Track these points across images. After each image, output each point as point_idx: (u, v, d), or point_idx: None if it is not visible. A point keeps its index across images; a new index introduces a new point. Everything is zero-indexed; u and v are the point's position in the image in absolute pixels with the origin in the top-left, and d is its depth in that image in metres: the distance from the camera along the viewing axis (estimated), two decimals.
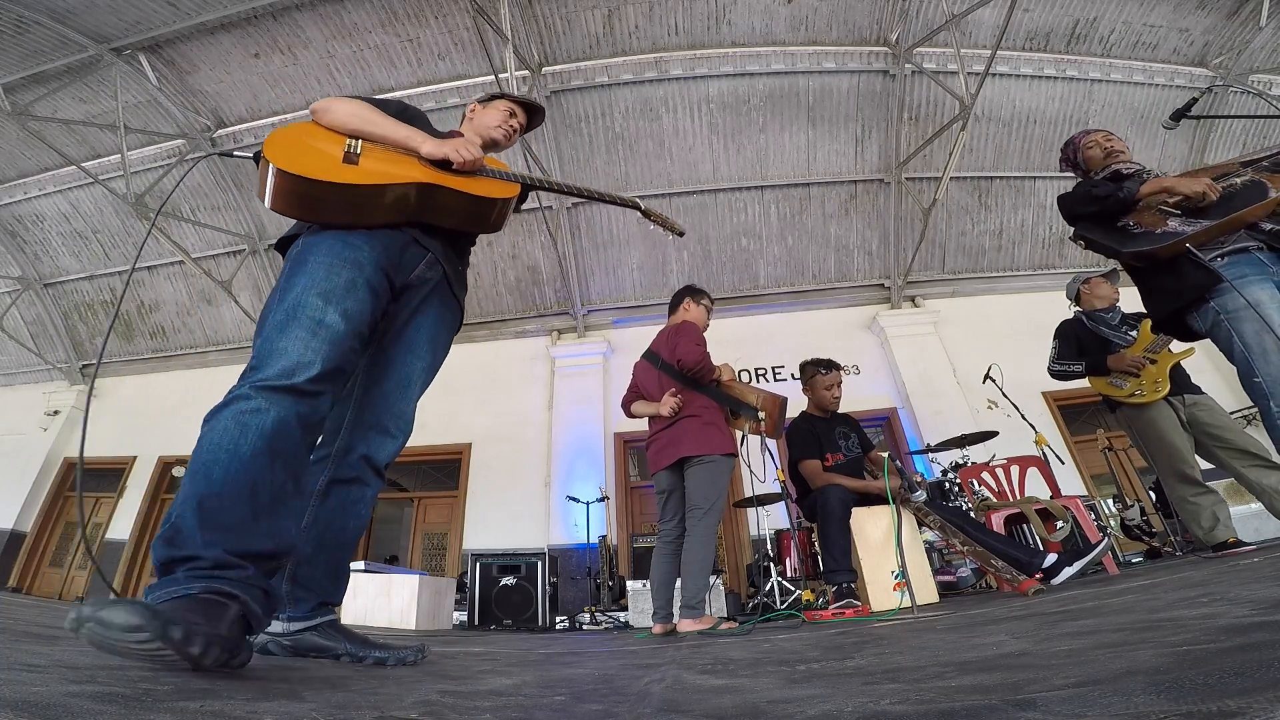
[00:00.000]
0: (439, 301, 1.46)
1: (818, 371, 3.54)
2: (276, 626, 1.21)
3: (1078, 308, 3.51)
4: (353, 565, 4.48)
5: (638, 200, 1.73)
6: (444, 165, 1.40)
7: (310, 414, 1.09)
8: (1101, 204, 2.19)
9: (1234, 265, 1.95)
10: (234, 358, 8.75)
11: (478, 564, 5.18)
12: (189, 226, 7.95)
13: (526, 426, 7.60)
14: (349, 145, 1.34)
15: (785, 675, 0.90)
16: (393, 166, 1.34)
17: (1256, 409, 1.94)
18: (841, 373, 3.58)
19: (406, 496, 8.28)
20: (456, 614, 4.93)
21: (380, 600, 3.81)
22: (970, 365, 6.86)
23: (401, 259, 1.34)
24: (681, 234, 1.89)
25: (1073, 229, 2.34)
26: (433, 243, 1.42)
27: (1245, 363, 1.91)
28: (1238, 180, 2.03)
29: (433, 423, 7.42)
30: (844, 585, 2.90)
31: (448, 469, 7.72)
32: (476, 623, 4.95)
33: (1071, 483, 6.18)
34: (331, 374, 1.12)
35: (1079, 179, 2.55)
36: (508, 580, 5.13)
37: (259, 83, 6.76)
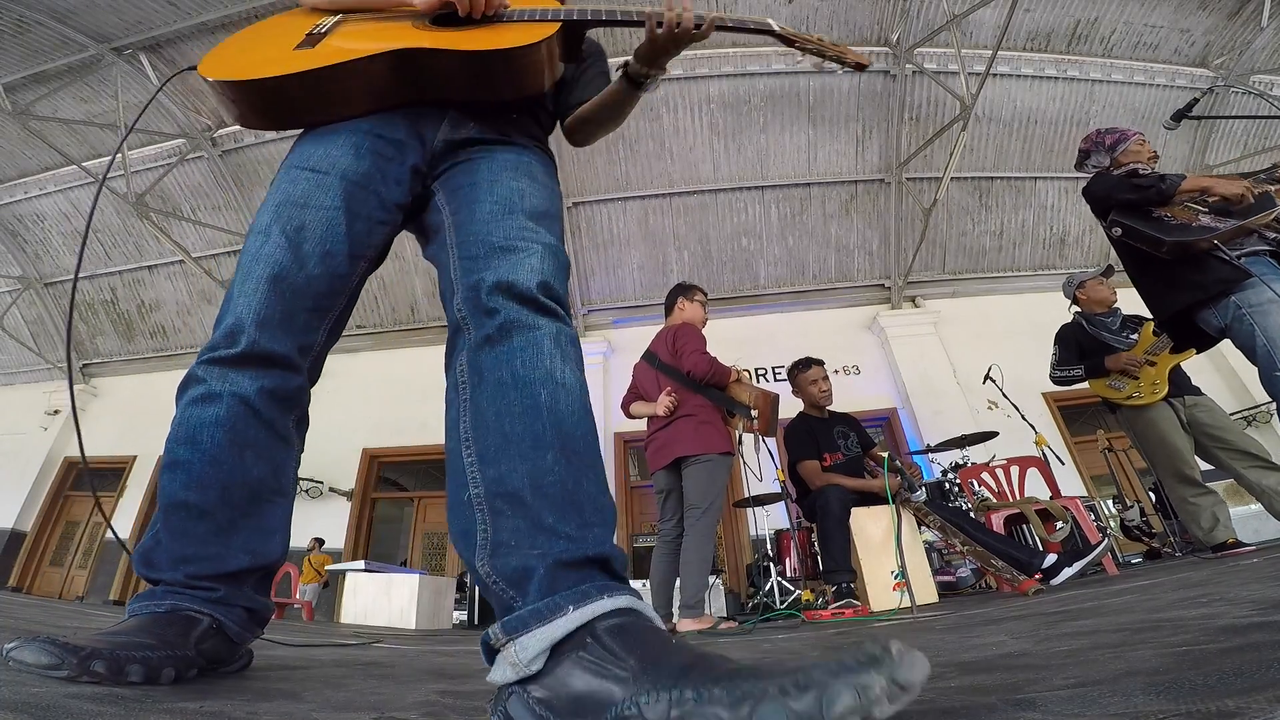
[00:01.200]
0: (495, 150, 1.02)
1: (799, 370, 3.57)
2: (506, 672, 0.54)
3: (1076, 308, 3.51)
4: (352, 565, 4.49)
5: (769, 22, 1.12)
6: (450, 20, 1.03)
7: (281, 385, 0.87)
8: (1143, 192, 2.26)
9: (1255, 264, 2.03)
10: None
11: None
12: (189, 226, 7.95)
13: None
14: (317, 26, 1.06)
15: None
16: (363, 40, 1.01)
17: (1263, 408, 1.99)
18: (823, 368, 3.58)
19: (407, 496, 8.29)
20: (456, 613, 4.93)
21: (380, 600, 3.81)
22: (971, 365, 6.85)
23: (413, 128, 1.01)
24: (864, 67, 1.14)
25: (1104, 218, 2.41)
26: (452, 113, 1.04)
27: (1268, 356, 1.94)
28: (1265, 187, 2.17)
29: (433, 422, 7.41)
30: (844, 585, 2.90)
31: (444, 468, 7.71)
32: (476, 622, 4.95)
33: (1071, 483, 6.18)
34: (282, 323, 0.87)
35: (1096, 170, 2.60)
36: None
37: None
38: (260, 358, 0.85)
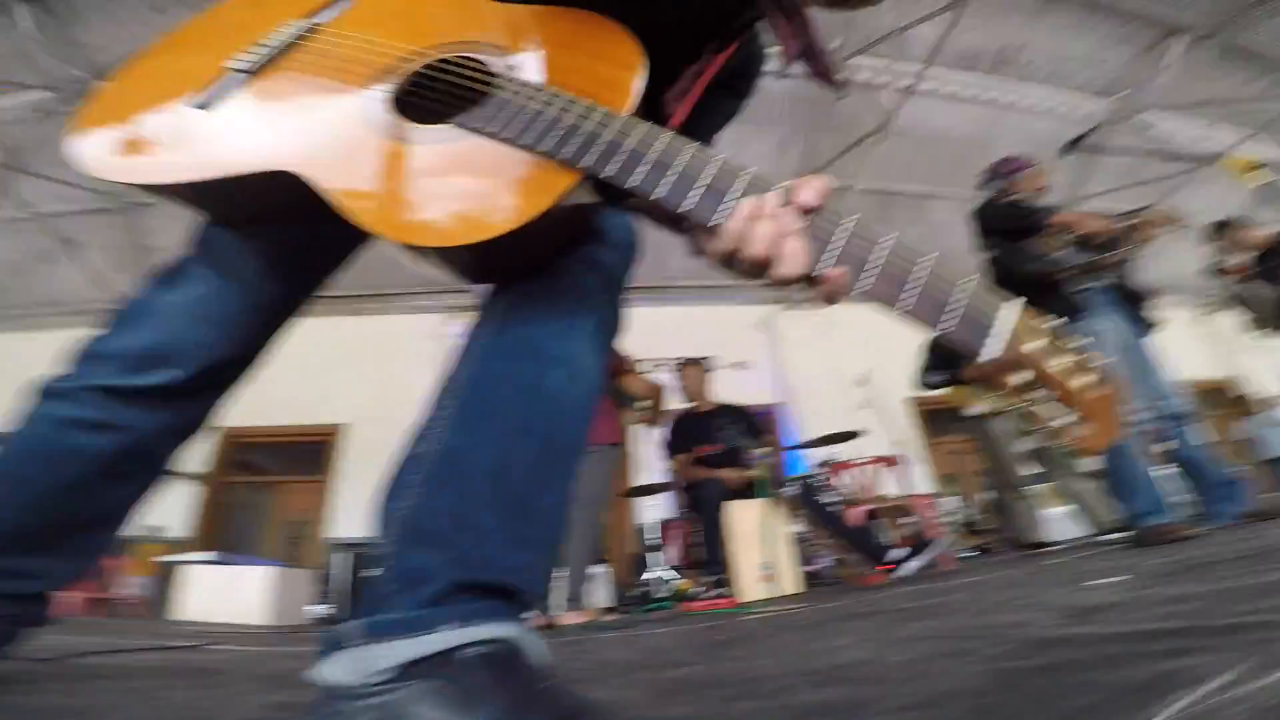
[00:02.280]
0: None
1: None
2: (346, 673, 0.47)
3: None
4: (197, 556, 4.02)
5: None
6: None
7: (198, 414, 0.75)
8: (1018, 222, 2.56)
9: (1094, 297, 2.46)
10: (72, 323, 7.48)
11: (344, 553, 4.84)
12: (36, 180, 6.62)
13: (418, 408, 7.19)
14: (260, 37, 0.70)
15: (653, 687, 0.90)
16: (263, 116, 0.65)
17: None
18: (686, 367, 3.82)
19: (265, 481, 7.55)
20: (315, 607, 4.55)
21: (224, 594, 3.45)
22: (852, 368, 7.32)
23: None
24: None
25: (982, 238, 2.67)
26: None
27: None
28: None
29: (300, 398, 6.78)
30: (718, 577, 3.03)
31: (311, 452, 7.11)
32: (341, 618, 4.63)
33: (924, 482, 6.85)
34: (235, 361, 0.74)
35: (990, 195, 2.83)
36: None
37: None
38: (190, 393, 0.70)
